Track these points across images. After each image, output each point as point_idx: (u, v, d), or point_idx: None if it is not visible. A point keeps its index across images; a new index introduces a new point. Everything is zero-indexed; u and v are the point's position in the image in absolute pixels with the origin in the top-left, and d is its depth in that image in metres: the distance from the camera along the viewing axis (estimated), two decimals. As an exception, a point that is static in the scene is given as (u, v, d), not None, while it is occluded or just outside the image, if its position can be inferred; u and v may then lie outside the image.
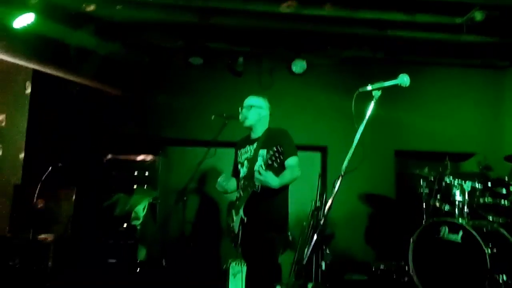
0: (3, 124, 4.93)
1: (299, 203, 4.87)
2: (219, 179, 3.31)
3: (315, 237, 2.00)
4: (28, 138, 4.97)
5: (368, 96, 2.23)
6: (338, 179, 2.13)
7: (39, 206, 4.26)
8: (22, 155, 4.97)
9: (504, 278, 3.10)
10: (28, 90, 4.97)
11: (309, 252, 1.98)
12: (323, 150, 5.57)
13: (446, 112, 5.60)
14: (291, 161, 3.08)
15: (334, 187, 2.11)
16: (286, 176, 3.00)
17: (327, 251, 3.85)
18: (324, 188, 5.18)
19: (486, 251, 3.13)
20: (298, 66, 5.37)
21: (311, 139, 5.43)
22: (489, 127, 5.61)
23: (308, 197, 5.07)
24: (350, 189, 5.27)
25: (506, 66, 5.47)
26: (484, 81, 5.65)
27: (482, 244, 3.15)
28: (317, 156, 5.65)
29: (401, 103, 5.47)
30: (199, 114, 5.16)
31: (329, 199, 2.08)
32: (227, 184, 3.35)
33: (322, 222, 2.04)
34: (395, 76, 5.54)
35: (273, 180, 2.86)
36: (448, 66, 5.64)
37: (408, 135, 5.57)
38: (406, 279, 3.66)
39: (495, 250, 3.25)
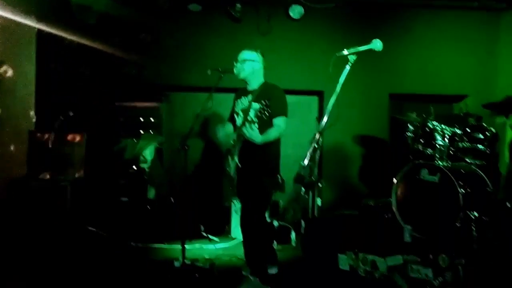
0: (13, 74, 5.15)
1: (297, 145, 5.19)
2: (218, 132, 3.60)
3: (298, 185, 2.29)
4: (38, 87, 5.22)
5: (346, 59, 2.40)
6: (316, 135, 2.36)
7: (50, 143, 4.53)
8: (33, 102, 5.24)
9: (476, 214, 3.44)
10: (34, 44, 5.13)
11: (293, 197, 2.27)
12: (320, 94, 5.77)
13: (441, 55, 5.69)
14: (278, 120, 3.33)
15: (313, 143, 2.35)
16: (270, 134, 3.28)
17: (306, 197, 4.18)
18: (322, 130, 5.45)
19: (460, 191, 3.45)
20: (296, 11, 5.43)
21: (309, 83, 5.61)
22: (483, 69, 5.72)
23: (306, 139, 5.34)
24: (345, 131, 5.53)
25: (503, 8, 5.47)
26: (479, 24, 5.67)
27: (457, 184, 3.46)
28: (314, 100, 5.86)
29: (397, 46, 5.58)
30: (199, 61, 5.32)
31: (307, 152, 2.32)
32: (225, 129, 3.63)
33: (302, 172, 2.31)
34: (390, 19, 5.55)
35: (257, 137, 3.17)
36: (444, 8, 5.65)
37: (403, 78, 5.71)
38: (389, 215, 4.02)
39: (469, 190, 3.57)
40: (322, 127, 2.34)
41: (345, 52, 2.36)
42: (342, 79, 2.36)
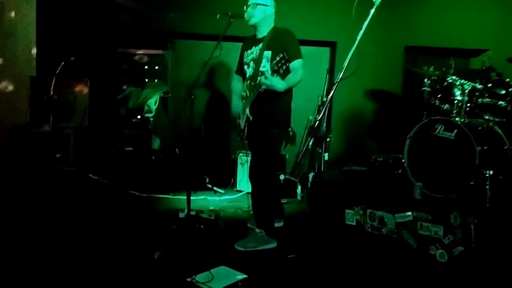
0: (13, 16, 4.95)
1: (306, 99, 5.03)
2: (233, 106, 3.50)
3: (309, 138, 2.17)
4: (39, 31, 5.03)
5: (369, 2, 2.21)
6: (331, 89, 2.21)
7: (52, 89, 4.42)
8: (34, 48, 5.08)
9: (491, 172, 3.32)
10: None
11: (303, 151, 2.16)
12: (332, 45, 5.53)
13: (460, 7, 5.41)
14: (296, 64, 3.15)
15: (323, 96, 2.21)
16: (290, 79, 3.10)
17: (320, 151, 4.07)
18: (331, 83, 5.27)
19: (476, 148, 3.31)
20: (310, -45, 5.10)
21: (321, 34, 5.37)
22: (503, 24, 5.43)
23: (316, 92, 5.19)
24: (357, 84, 5.31)
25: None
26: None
27: (473, 141, 3.32)
28: (326, 51, 5.63)
29: (414, -3, 5.29)
30: (207, 7, 5.08)
31: (322, 107, 2.19)
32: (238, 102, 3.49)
33: (316, 124, 2.17)
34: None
35: (279, 84, 2.99)
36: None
37: (419, 31, 5.45)
38: (400, 171, 3.92)
39: (485, 147, 3.43)
40: (340, 77, 2.17)
41: (369, -6, 2.16)
42: (365, 25, 2.17)
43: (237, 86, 3.53)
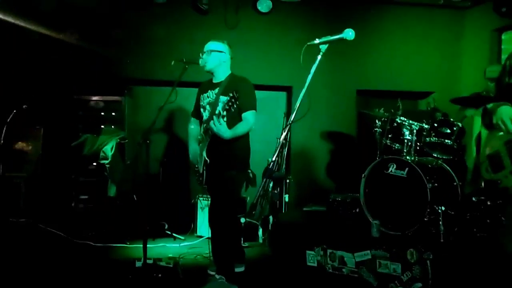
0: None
1: (265, 141, 5.09)
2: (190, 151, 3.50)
3: (265, 180, 2.19)
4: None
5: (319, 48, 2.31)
6: (285, 130, 2.27)
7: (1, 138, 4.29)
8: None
9: (443, 208, 3.43)
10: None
11: (259, 192, 2.17)
12: (288, 89, 5.71)
13: (408, 52, 5.74)
14: (248, 114, 3.22)
15: (280, 138, 2.26)
16: (239, 128, 3.18)
17: (275, 191, 4.12)
18: (290, 126, 5.38)
19: (427, 185, 3.44)
20: (264, 5, 5.34)
21: (277, 79, 5.54)
22: (448, 67, 5.81)
23: (274, 135, 5.28)
24: (313, 127, 5.50)
25: (467, 6, 5.56)
26: (445, 21, 5.75)
27: (424, 179, 3.45)
28: (282, 95, 5.80)
29: (364, 43, 5.58)
30: (164, 54, 5.13)
31: (276, 148, 2.24)
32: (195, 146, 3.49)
33: (270, 166, 2.20)
34: (358, 14, 5.55)
35: (225, 132, 3.06)
36: (411, 5, 5.69)
37: (370, 74, 5.72)
38: (357, 209, 3.99)
39: (436, 184, 3.57)
40: (292, 120, 2.24)
41: (317, 41, 2.28)
42: (313, 69, 2.27)
43: (194, 129, 3.55)
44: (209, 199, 3.92)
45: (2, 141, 4.26)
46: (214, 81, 3.40)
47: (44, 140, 4.72)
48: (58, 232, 4.36)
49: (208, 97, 3.38)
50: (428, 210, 3.43)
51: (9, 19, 4.70)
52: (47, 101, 4.88)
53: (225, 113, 3.04)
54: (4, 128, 4.26)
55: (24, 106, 4.33)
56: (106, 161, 4.69)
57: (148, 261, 3.40)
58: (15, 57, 4.94)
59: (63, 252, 4.07)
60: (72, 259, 3.92)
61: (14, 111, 4.30)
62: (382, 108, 4.22)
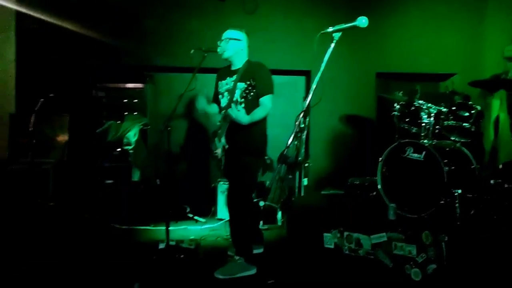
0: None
1: (284, 126, 5.13)
2: (198, 101, 3.56)
3: (280, 164, 2.27)
4: (19, 68, 5.11)
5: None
6: (300, 116, 2.33)
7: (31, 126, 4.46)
8: (13, 85, 5.14)
9: (459, 191, 3.45)
10: (13, 25, 5.02)
11: (274, 177, 2.25)
12: (307, 74, 5.72)
13: (428, 33, 5.63)
14: (265, 99, 3.28)
15: (296, 124, 2.33)
16: (257, 113, 3.24)
17: (290, 176, 4.16)
18: (308, 110, 5.41)
19: (444, 168, 3.45)
20: (282, -11, 5.34)
21: (296, 63, 5.54)
22: (470, 48, 5.69)
23: (293, 120, 5.31)
24: (332, 110, 5.51)
25: (490, -15, 5.43)
26: (468, 2, 5.63)
27: (441, 162, 3.46)
28: (301, 79, 5.81)
29: (384, 25, 5.52)
30: (184, 41, 5.22)
31: (291, 135, 2.31)
32: (207, 106, 3.59)
33: (285, 152, 2.27)
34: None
35: (243, 118, 3.14)
36: (432, -14, 5.60)
37: (390, 57, 5.66)
38: (374, 193, 4.03)
39: (453, 167, 3.58)
40: (306, 106, 2.30)
41: (330, 29, 2.31)
42: (326, 57, 2.32)
43: (212, 105, 3.64)
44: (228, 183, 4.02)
45: (31, 129, 4.44)
46: (232, 68, 3.47)
47: (70, 127, 4.88)
48: (85, 215, 4.55)
49: (226, 84, 3.46)
50: (445, 193, 3.45)
51: (35, 13, 4.89)
52: (72, 90, 5.05)
53: (242, 100, 3.12)
54: (33, 116, 4.43)
55: (51, 95, 4.49)
56: (130, 147, 4.85)
57: (171, 243, 3.55)
58: (42, 49, 5.13)
59: (90, 234, 4.25)
60: (98, 240, 4.09)
61: (42, 99, 4.46)
62: (401, 92, 4.21)
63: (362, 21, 2.32)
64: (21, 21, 5.06)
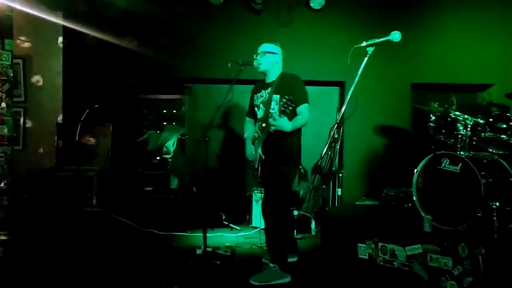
0: (41, 67, 5.34)
1: (318, 136, 5.19)
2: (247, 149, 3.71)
3: (314, 175, 2.34)
4: (65, 80, 5.40)
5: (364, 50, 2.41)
6: (334, 127, 2.40)
7: (84, 141, 4.73)
8: (60, 95, 5.43)
9: (497, 204, 3.40)
10: (60, 40, 5.32)
11: (308, 187, 2.32)
12: (341, 84, 5.76)
13: (465, 43, 5.55)
14: (302, 108, 3.39)
15: (330, 134, 2.39)
16: (298, 121, 3.34)
17: (324, 186, 4.22)
18: (342, 121, 5.45)
19: (481, 180, 3.41)
20: (316, 2, 5.42)
21: (330, 74, 5.59)
22: (508, 59, 5.58)
23: (327, 130, 5.34)
24: (366, 121, 5.51)
25: (530, -6, 5.31)
26: (504, 11, 5.50)
27: (478, 174, 3.42)
28: (335, 90, 5.86)
29: (419, 35, 5.50)
30: (221, 53, 5.38)
31: (325, 146, 2.37)
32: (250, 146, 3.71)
33: (319, 163, 2.34)
34: (413, 7, 5.38)
35: (286, 124, 3.22)
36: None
37: (425, 67, 5.61)
38: (410, 204, 4.01)
39: (490, 180, 3.53)
40: (340, 116, 2.37)
41: (364, 44, 2.38)
42: (360, 70, 2.38)
43: (249, 128, 3.76)
44: (263, 192, 4.11)
45: (77, 138, 4.69)
46: (267, 81, 3.58)
47: (113, 136, 5.11)
48: (126, 221, 4.74)
49: (261, 96, 3.57)
50: (482, 205, 3.41)
51: (81, 28, 5.19)
52: (115, 101, 5.29)
53: (279, 111, 3.21)
54: (79, 126, 4.68)
55: (95, 106, 4.73)
56: (169, 156, 5.03)
57: (208, 249, 3.65)
58: (87, 61, 5.41)
59: (130, 239, 4.43)
60: (138, 245, 4.26)
61: (87, 110, 4.71)
62: (437, 103, 4.18)
63: (396, 36, 2.37)
64: (68, 35, 5.36)
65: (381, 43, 2.37)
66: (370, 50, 2.36)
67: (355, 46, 2.39)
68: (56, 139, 5.08)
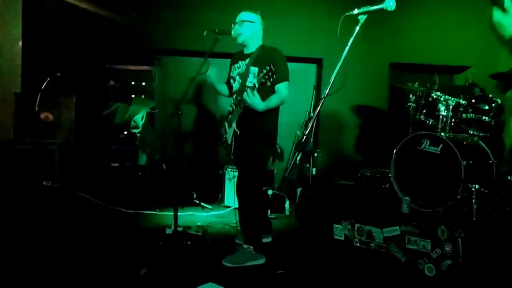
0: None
1: (294, 113, 5.06)
2: (208, 72, 3.48)
3: (296, 153, 2.17)
4: (25, 47, 5.00)
5: (355, 19, 2.23)
6: (318, 104, 2.23)
7: (43, 117, 4.42)
8: (19, 63, 5.03)
9: (476, 186, 3.36)
10: (20, 2, 4.90)
11: (290, 166, 2.16)
12: (319, 62, 5.61)
13: (444, 25, 5.53)
14: (281, 86, 3.17)
15: (311, 112, 2.22)
16: (272, 100, 3.13)
17: (307, 165, 4.10)
18: (318, 99, 5.32)
19: (462, 162, 3.35)
20: (296, -26, 5.20)
21: (307, 51, 5.44)
22: (486, 42, 5.54)
23: (303, 108, 5.23)
24: (344, 100, 5.41)
25: (510, -24, 5.26)
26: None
27: (459, 156, 3.36)
28: (312, 67, 5.70)
29: (399, 15, 5.37)
30: (194, 25, 5.12)
31: (306, 122, 2.20)
32: (216, 82, 3.54)
33: (303, 140, 2.18)
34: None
35: (259, 104, 3.01)
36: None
37: (404, 47, 5.55)
38: (387, 185, 3.94)
39: (470, 162, 3.48)
40: (326, 93, 2.19)
41: (356, 11, 2.19)
42: (350, 41, 2.20)
43: (223, 86, 3.60)
44: (236, 170, 3.95)
45: (36, 108, 4.36)
46: (245, 52, 3.36)
47: (76, 108, 4.80)
48: (91, 198, 4.49)
49: (238, 67, 3.35)
50: (461, 188, 3.36)
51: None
52: (79, 70, 4.95)
53: (257, 85, 2.99)
54: (39, 96, 4.35)
55: (58, 74, 4.41)
56: (137, 130, 4.77)
57: (178, 229, 3.47)
58: (49, 27, 5.02)
59: (95, 217, 4.20)
60: (104, 224, 4.04)
61: (48, 79, 4.37)
62: (417, 82, 4.11)
63: (390, 4, 2.21)
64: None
65: (374, 11, 2.19)
66: (362, 18, 2.18)
67: (346, 14, 2.20)
68: (13, 110, 4.71)
